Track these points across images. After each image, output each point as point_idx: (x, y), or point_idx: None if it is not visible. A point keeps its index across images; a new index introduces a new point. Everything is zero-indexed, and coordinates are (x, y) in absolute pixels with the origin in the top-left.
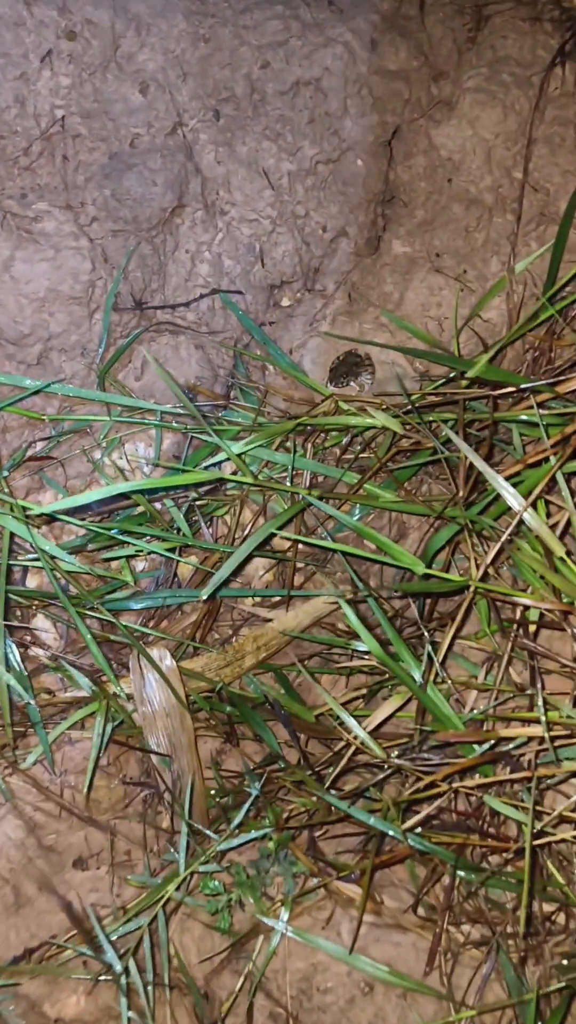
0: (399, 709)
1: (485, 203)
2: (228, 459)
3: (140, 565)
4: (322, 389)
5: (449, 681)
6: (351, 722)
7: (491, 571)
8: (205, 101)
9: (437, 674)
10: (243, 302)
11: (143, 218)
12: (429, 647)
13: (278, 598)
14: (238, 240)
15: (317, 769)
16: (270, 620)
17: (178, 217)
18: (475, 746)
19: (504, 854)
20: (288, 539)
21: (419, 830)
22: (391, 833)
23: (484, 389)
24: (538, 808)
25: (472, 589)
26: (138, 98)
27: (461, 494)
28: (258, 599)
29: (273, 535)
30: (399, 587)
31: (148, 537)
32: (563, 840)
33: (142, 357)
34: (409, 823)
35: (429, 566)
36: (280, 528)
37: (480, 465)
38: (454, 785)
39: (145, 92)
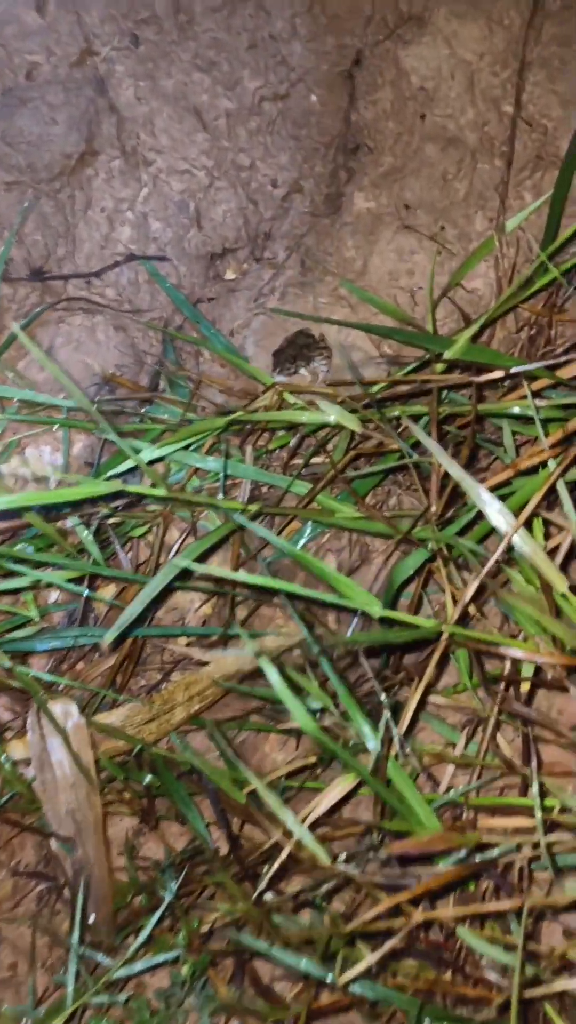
0: (353, 792)
1: (467, 144)
2: (155, 464)
3: (54, 595)
4: (264, 378)
5: (414, 757)
6: (284, 816)
7: (472, 610)
8: (120, 23)
9: (400, 746)
10: (175, 274)
11: (41, 166)
12: (388, 715)
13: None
14: (167, 197)
15: (252, 863)
16: (206, 663)
17: (89, 167)
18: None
19: (485, 1007)
20: (205, 575)
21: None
22: (328, 980)
23: (465, 375)
24: (531, 947)
25: (446, 636)
26: (34, 18)
27: (434, 509)
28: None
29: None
30: (350, 639)
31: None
32: (563, 993)
33: (48, 341)
34: (352, 972)
35: (394, 602)
36: (204, 555)
37: (456, 472)
38: (416, 917)
39: (43, 11)
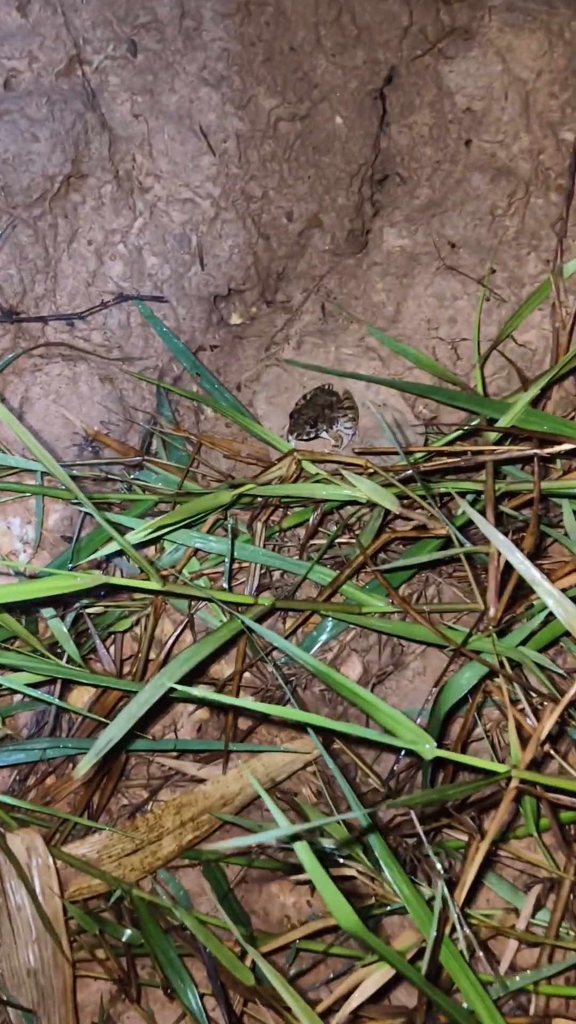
0: (391, 986)
1: (519, 175)
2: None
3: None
4: (278, 442)
5: (467, 929)
6: (299, 1009)
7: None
8: (116, 28)
9: (458, 923)
10: (173, 317)
11: (18, 189)
12: (443, 889)
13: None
14: (166, 229)
15: None
16: (202, 781)
17: (76, 192)
18: None
19: None
20: (199, 700)
21: None
22: None
23: (524, 446)
24: None
25: (516, 784)
26: (15, 18)
27: (492, 613)
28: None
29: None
30: (401, 802)
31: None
32: None
33: (21, 392)
34: None
35: (443, 733)
36: (205, 661)
37: (521, 566)
38: None
39: (26, 10)
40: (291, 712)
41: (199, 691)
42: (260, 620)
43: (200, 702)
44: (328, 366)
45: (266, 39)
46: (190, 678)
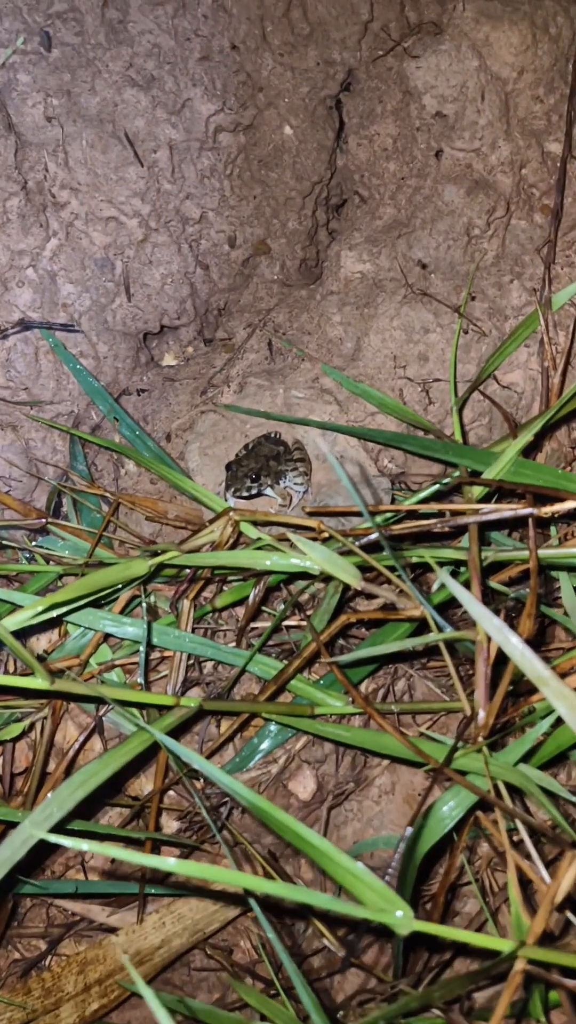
0: None
1: (499, 190)
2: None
3: None
4: (214, 501)
5: None
6: None
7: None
8: (26, 17)
9: None
10: (92, 354)
11: None
12: None
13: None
14: (85, 252)
15: None
16: (113, 930)
17: None
18: None
19: None
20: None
21: None
22: None
23: (513, 504)
24: None
25: (520, 968)
26: None
27: (482, 718)
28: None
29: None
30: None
31: None
32: None
33: None
34: None
35: (422, 874)
36: (121, 774)
37: (519, 655)
38: None
39: None
40: (214, 872)
41: (73, 842)
42: (187, 724)
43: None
44: (275, 411)
45: (203, 34)
46: (100, 796)
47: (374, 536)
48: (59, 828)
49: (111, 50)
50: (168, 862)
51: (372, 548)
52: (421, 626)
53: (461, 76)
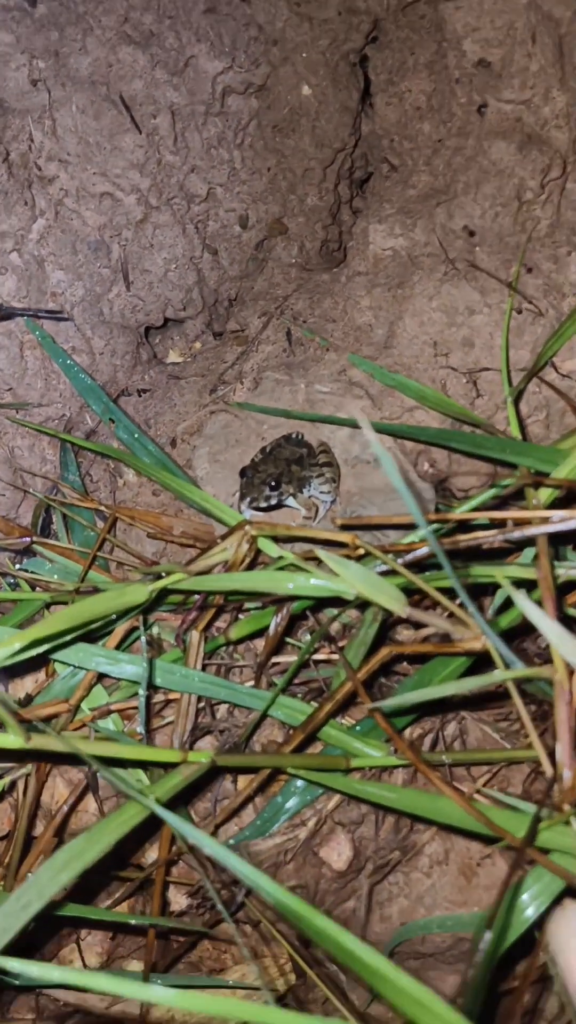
0: None
1: (554, 146)
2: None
3: None
4: (227, 514)
5: None
6: None
7: None
8: None
9: None
10: (87, 350)
11: None
12: None
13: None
14: (76, 234)
15: None
16: None
17: None
18: None
19: None
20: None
21: None
22: None
23: None
24: None
25: None
26: None
27: (568, 779)
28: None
29: None
30: None
31: None
32: None
33: None
34: None
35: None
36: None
37: None
38: None
39: None
40: (211, 1004)
41: (40, 969)
42: (199, 779)
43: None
44: (296, 408)
45: None
46: (100, 865)
47: (422, 552)
48: (43, 913)
49: (104, 3)
50: (155, 992)
51: (420, 567)
52: (478, 661)
53: (508, 16)
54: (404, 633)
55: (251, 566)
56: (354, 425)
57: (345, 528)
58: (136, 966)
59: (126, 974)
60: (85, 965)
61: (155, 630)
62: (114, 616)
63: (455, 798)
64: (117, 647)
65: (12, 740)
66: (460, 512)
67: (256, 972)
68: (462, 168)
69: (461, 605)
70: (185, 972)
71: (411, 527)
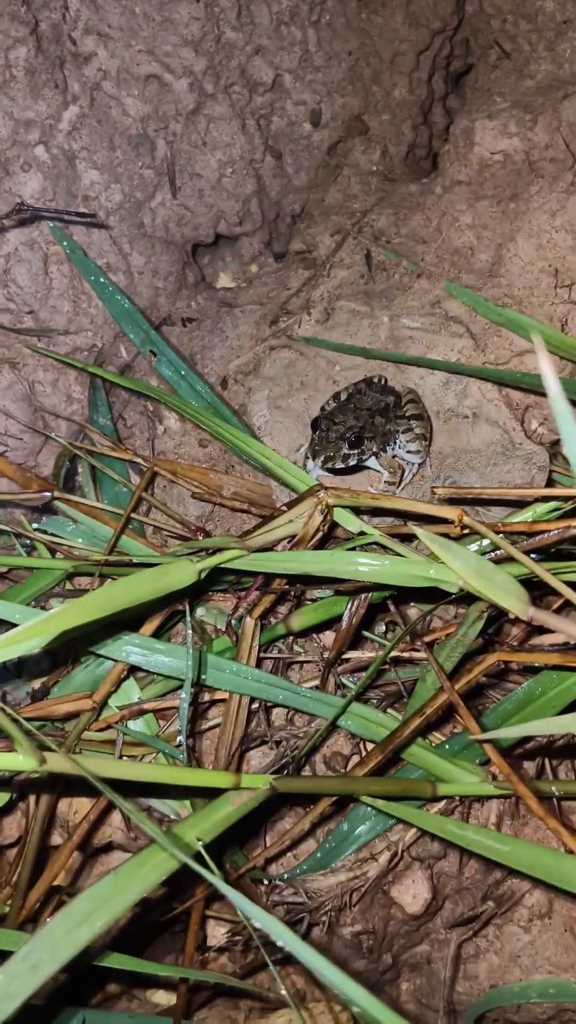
0: None
1: None
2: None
3: None
4: (293, 475)
5: None
6: None
7: None
8: None
9: None
10: (123, 267)
11: None
12: None
13: None
14: (116, 126)
15: None
16: None
17: None
18: None
19: None
20: None
21: None
22: None
23: None
24: None
25: None
26: None
27: None
28: None
29: None
30: None
31: None
32: None
33: None
34: None
35: None
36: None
37: None
38: None
39: None
40: None
41: None
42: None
43: None
44: (378, 347)
45: None
46: None
47: (550, 536)
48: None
49: None
50: None
51: (547, 555)
52: None
53: None
54: (511, 632)
55: (323, 542)
56: (449, 369)
57: (447, 500)
58: (163, 997)
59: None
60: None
61: (201, 612)
62: (152, 600)
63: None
64: (155, 634)
65: (23, 762)
66: None
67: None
68: None
69: None
70: (223, 1008)
71: (525, 503)
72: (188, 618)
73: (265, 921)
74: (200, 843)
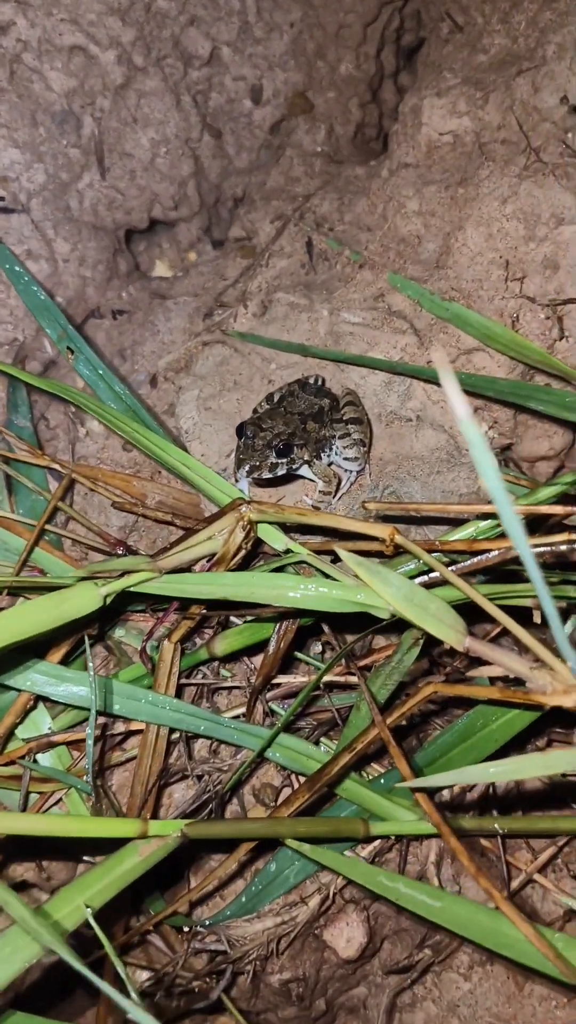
0: None
1: None
2: None
3: None
4: (216, 486)
5: None
6: None
7: None
8: None
9: None
10: (46, 255)
11: None
12: None
13: None
14: (38, 101)
15: None
16: None
17: None
18: None
19: None
20: None
21: None
22: None
23: None
24: None
25: None
26: None
27: None
28: None
29: None
30: None
31: None
32: None
33: None
34: None
35: None
36: None
37: None
38: None
39: None
40: None
41: None
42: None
43: None
44: (316, 344)
45: None
46: None
47: (491, 556)
48: None
49: None
50: None
51: (487, 576)
52: (547, 715)
53: None
54: (451, 660)
55: (247, 561)
56: (391, 369)
57: (378, 516)
58: None
59: None
60: None
61: (119, 633)
62: (62, 619)
63: (527, 933)
64: (64, 659)
65: None
66: (546, 499)
67: None
68: (552, 27)
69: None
70: None
71: (464, 520)
72: (87, 650)
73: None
74: (89, 911)
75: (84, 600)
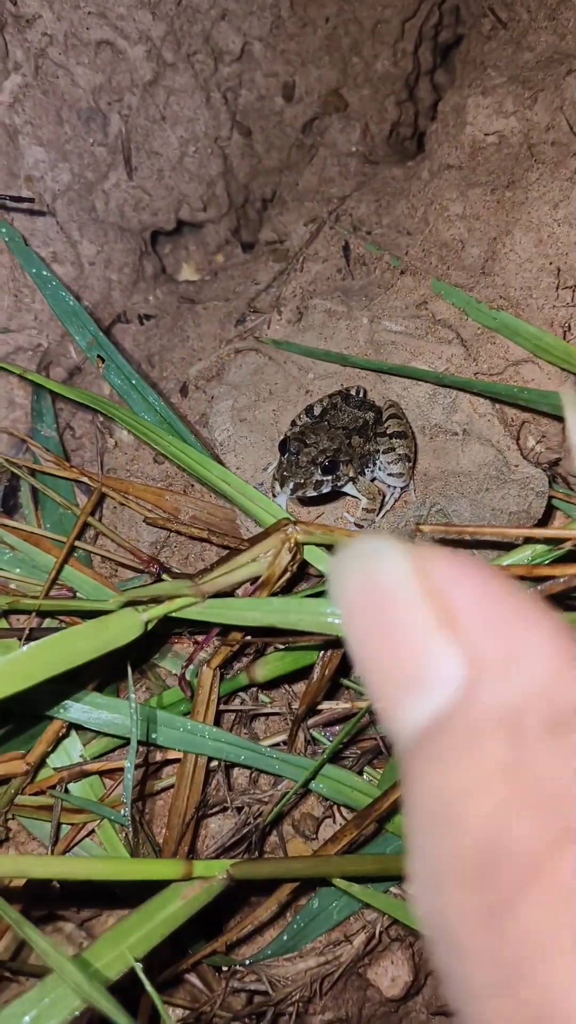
0: None
1: None
2: None
3: None
4: (256, 503)
5: None
6: None
7: None
8: None
9: None
10: (72, 257)
11: None
12: None
13: None
14: (64, 97)
15: None
16: None
17: None
18: None
19: None
20: None
21: None
22: None
23: None
24: None
25: None
26: None
27: None
28: None
29: None
30: None
31: None
32: None
33: None
34: None
35: None
36: None
37: None
38: None
39: None
40: None
41: None
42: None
43: None
44: (356, 352)
45: None
46: None
47: (556, 583)
48: None
49: None
50: None
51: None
52: None
53: None
54: None
55: (292, 583)
56: (436, 380)
57: (433, 538)
58: None
59: None
60: None
61: (156, 658)
62: (97, 642)
63: None
64: (100, 685)
65: None
66: None
67: None
68: None
69: None
70: None
71: (513, 544)
72: (129, 678)
73: None
74: (139, 965)
75: (125, 627)
